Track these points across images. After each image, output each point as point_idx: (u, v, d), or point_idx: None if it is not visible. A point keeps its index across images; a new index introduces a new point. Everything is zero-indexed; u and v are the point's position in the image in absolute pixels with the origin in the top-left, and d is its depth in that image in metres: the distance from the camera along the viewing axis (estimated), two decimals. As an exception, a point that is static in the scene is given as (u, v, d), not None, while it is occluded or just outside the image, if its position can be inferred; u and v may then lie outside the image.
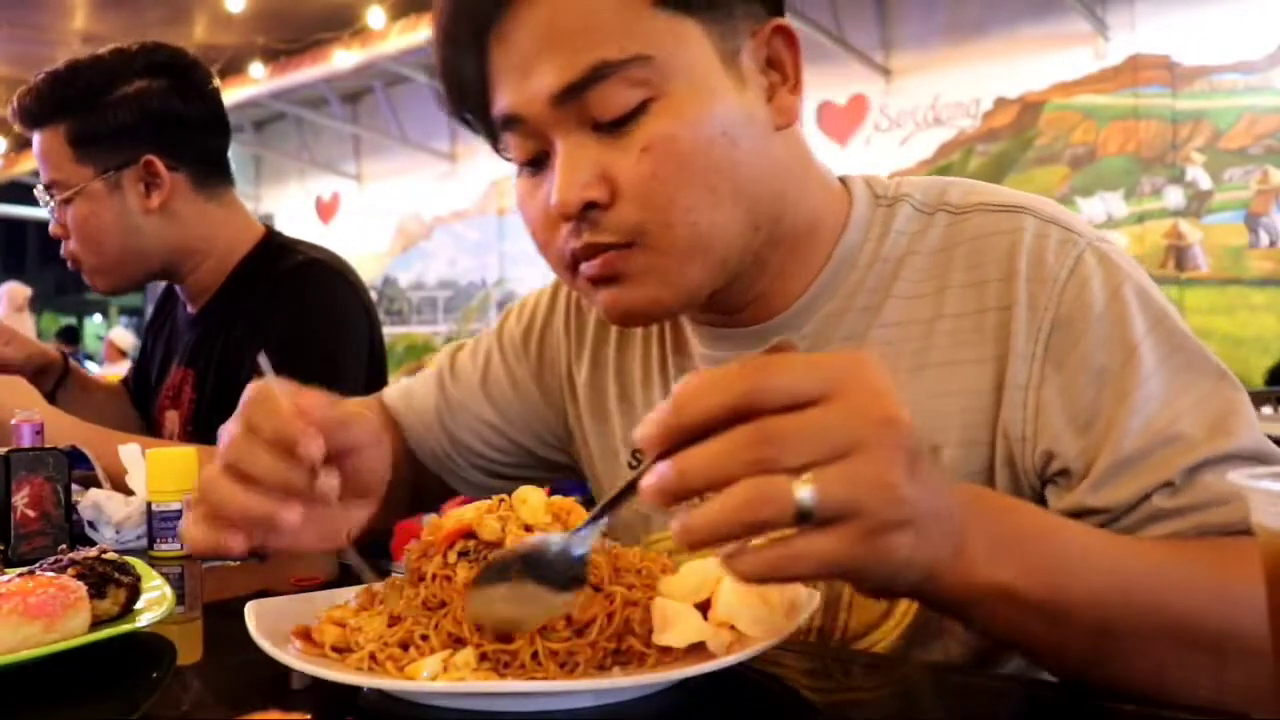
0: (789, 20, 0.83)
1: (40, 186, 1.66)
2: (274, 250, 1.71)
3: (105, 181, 1.62)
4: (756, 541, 0.52)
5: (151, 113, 1.64)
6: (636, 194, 0.76)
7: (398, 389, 1.19)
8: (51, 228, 1.66)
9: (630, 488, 0.56)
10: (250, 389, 0.73)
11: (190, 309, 1.76)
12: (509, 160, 0.84)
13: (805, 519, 0.50)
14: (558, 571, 0.61)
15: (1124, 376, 0.75)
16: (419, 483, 1.15)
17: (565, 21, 0.75)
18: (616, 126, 0.76)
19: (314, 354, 1.57)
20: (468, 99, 0.81)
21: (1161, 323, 0.77)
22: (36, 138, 1.63)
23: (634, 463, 1.01)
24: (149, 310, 2.02)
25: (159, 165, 1.64)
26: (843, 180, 0.92)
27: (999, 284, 0.81)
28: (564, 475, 1.12)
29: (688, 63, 0.77)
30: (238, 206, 1.75)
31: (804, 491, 0.50)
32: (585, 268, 0.80)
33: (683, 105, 0.76)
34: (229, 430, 0.72)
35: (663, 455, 0.52)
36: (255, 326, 1.60)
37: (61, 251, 1.68)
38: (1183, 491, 0.72)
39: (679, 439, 0.52)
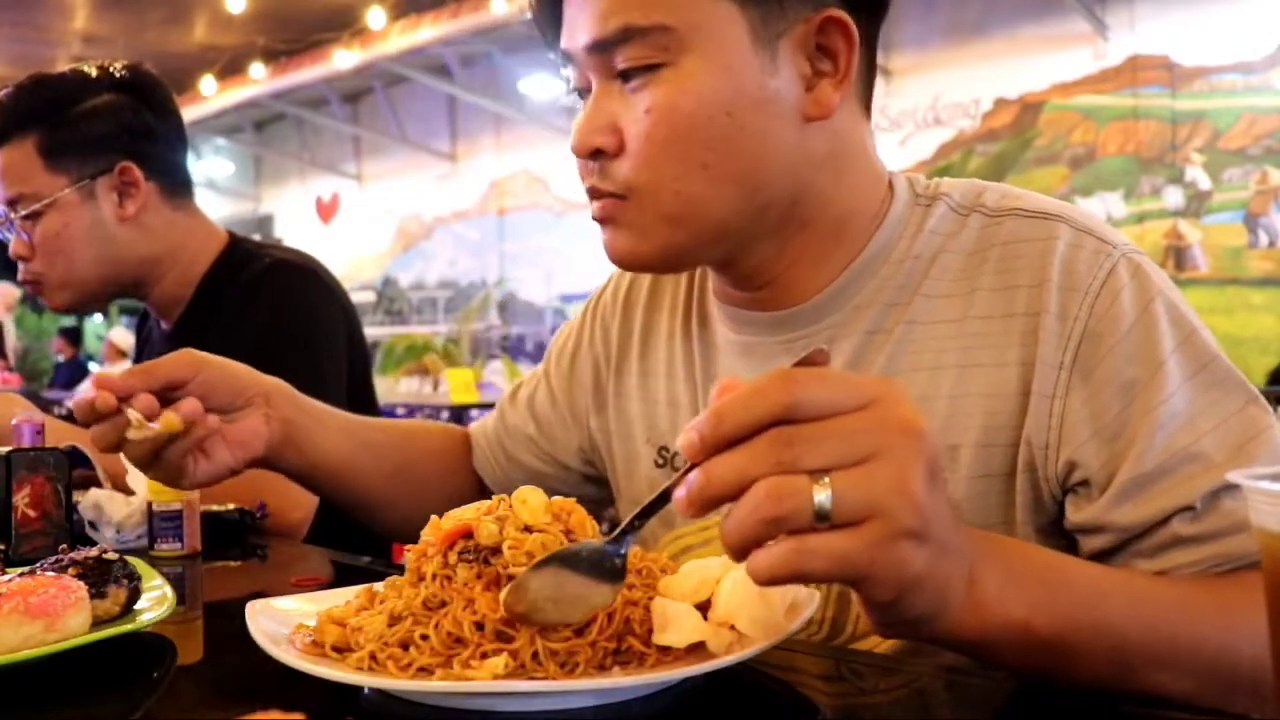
0: (844, 14, 0.81)
1: (8, 200, 1.60)
2: (240, 256, 1.69)
3: (79, 191, 1.60)
4: (772, 542, 0.52)
5: (125, 124, 1.63)
6: (633, 151, 0.82)
7: (479, 421, 1.25)
8: (14, 249, 1.61)
9: (664, 496, 0.57)
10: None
11: (164, 325, 1.75)
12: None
13: (823, 519, 0.51)
14: (597, 571, 0.61)
15: (1149, 391, 0.74)
16: None
17: None
18: (634, 81, 0.81)
19: (291, 356, 1.57)
20: (546, 34, 0.90)
21: (1190, 339, 0.76)
22: (2, 150, 1.60)
23: (659, 461, 1.02)
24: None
25: (136, 172, 1.62)
26: (891, 176, 0.92)
27: (1030, 290, 0.80)
28: (600, 491, 1.14)
29: (710, 38, 0.79)
30: (201, 215, 1.74)
31: (822, 490, 0.51)
32: (593, 205, 0.86)
33: (690, 78, 0.79)
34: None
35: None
36: (230, 334, 1.59)
37: (20, 274, 1.64)
38: (1203, 517, 0.71)
39: (718, 448, 0.52)
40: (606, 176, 0.84)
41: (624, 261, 0.88)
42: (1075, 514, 0.77)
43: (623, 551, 0.62)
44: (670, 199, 0.82)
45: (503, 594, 0.63)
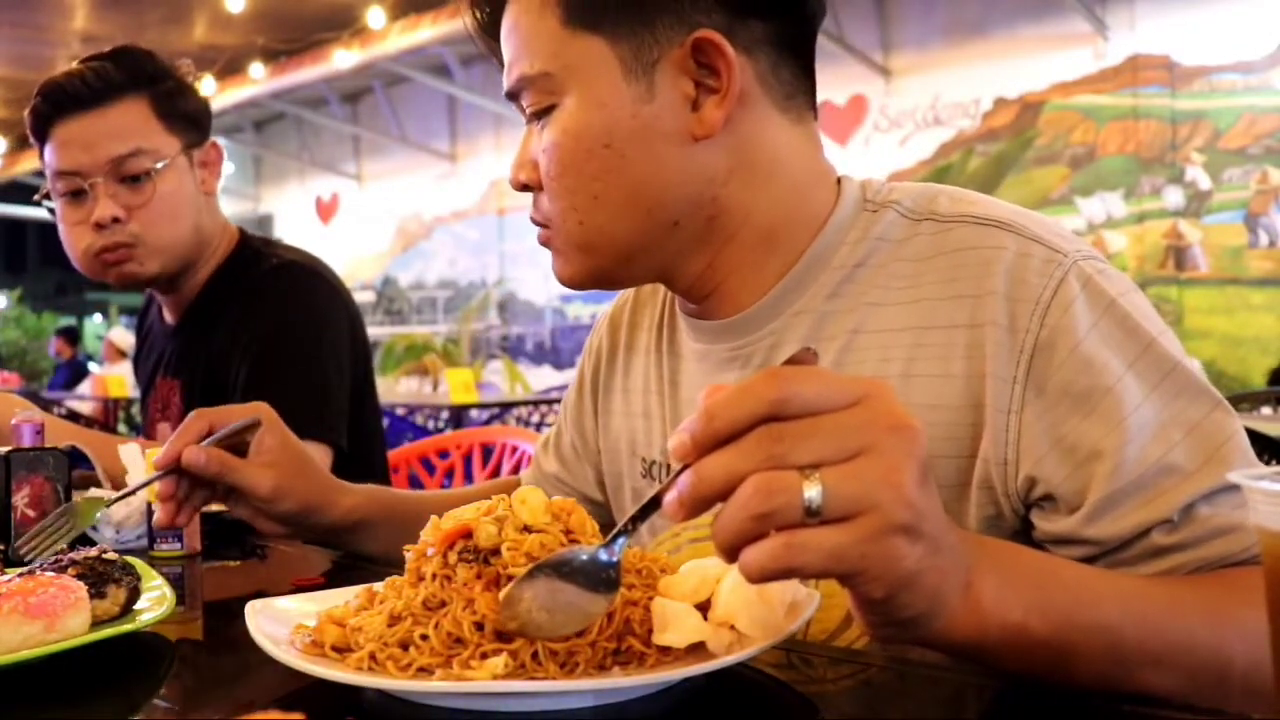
0: (714, 34, 0.81)
1: (112, 159, 1.55)
2: (249, 255, 1.71)
3: (187, 156, 1.63)
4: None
5: (204, 105, 1.69)
6: (545, 186, 0.88)
7: (526, 473, 1.27)
8: (104, 211, 1.54)
9: (655, 500, 0.57)
10: None
11: (170, 318, 1.76)
12: None
13: (814, 514, 0.51)
14: (591, 578, 0.61)
15: (1112, 403, 0.73)
16: None
17: (513, 33, 0.89)
18: (539, 123, 0.88)
19: (295, 358, 1.57)
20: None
21: (1150, 348, 0.75)
22: (109, 109, 1.56)
23: (643, 473, 1.02)
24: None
25: (221, 149, 1.69)
26: (841, 180, 0.91)
27: (974, 300, 0.78)
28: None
29: (584, 78, 0.84)
30: (220, 210, 1.77)
31: (812, 485, 0.51)
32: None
33: (569, 117, 0.85)
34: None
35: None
36: (236, 335, 1.60)
37: (108, 238, 1.56)
38: (1181, 528, 0.71)
39: (710, 447, 0.52)
40: (537, 207, 0.91)
41: (563, 282, 0.93)
42: (1046, 526, 0.75)
43: (615, 559, 0.61)
44: (575, 228, 0.87)
45: (499, 604, 0.62)
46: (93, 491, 1.25)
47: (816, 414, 0.52)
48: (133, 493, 1.08)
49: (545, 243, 0.92)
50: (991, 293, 0.77)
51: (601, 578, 0.61)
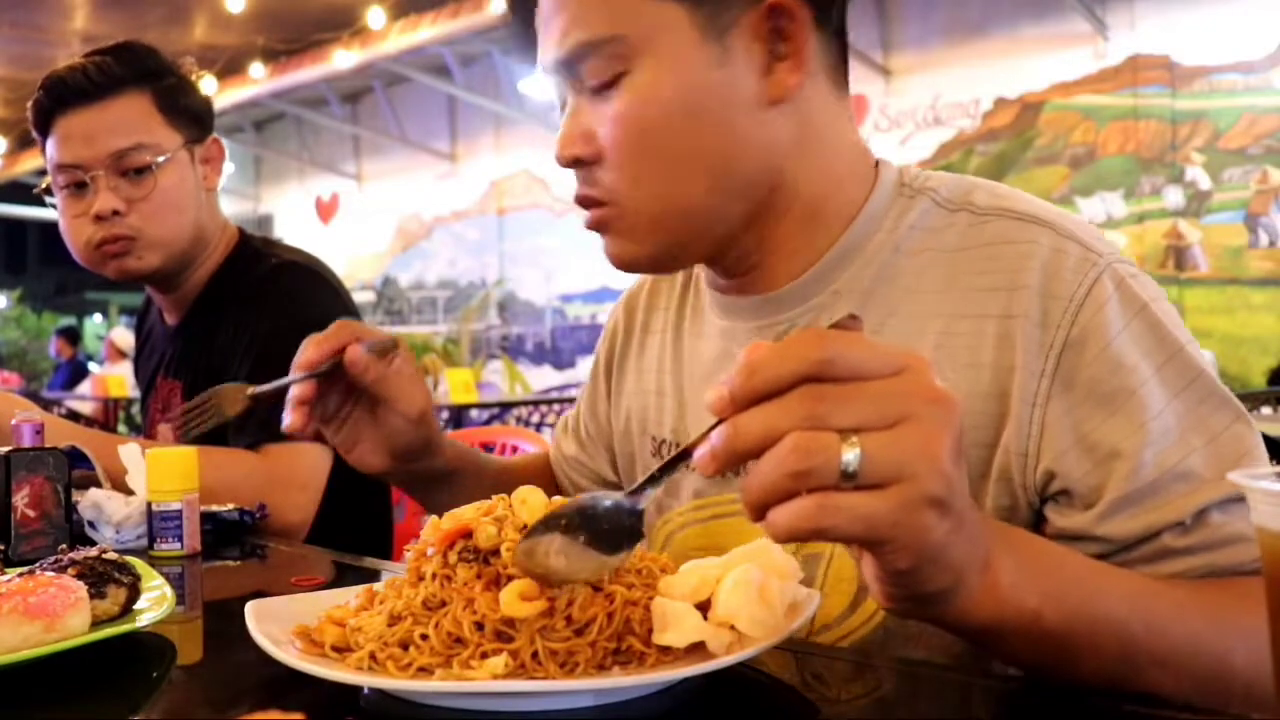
0: None
1: (114, 153, 1.55)
2: (249, 255, 1.71)
3: (188, 151, 1.64)
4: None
5: (206, 101, 1.70)
6: (610, 159, 0.84)
7: (554, 448, 1.26)
8: (104, 203, 1.55)
9: (685, 453, 0.56)
10: None
11: (170, 319, 1.76)
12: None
13: (849, 478, 0.50)
14: (614, 526, 0.60)
15: (1135, 405, 0.73)
16: None
17: None
18: (601, 92, 0.84)
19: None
20: (531, 51, 0.91)
21: (1178, 355, 0.75)
22: (110, 103, 1.57)
23: (653, 451, 1.03)
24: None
25: (223, 145, 1.70)
26: (879, 164, 0.91)
27: (1005, 293, 0.79)
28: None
29: (660, 42, 0.82)
30: (220, 209, 1.78)
31: (851, 449, 0.50)
32: (585, 216, 0.88)
33: (646, 83, 0.82)
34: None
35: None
36: (236, 335, 1.61)
37: (106, 232, 1.57)
38: (1193, 531, 0.71)
39: (749, 402, 0.52)
40: (594, 184, 0.86)
41: (624, 265, 0.89)
42: (1060, 521, 0.76)
43: (639, 508, 0.61)
44: (650, 201, 0.84)
45: (516, 549, 0.62)
46: (92, 491, 1.25)
47: (859, 379, 0.51)
48: (284, 386, 1.00)
49: (599, 224, 0.88)
50: (1025, 286, 0.78)
51: (624, 526, 0.60)
